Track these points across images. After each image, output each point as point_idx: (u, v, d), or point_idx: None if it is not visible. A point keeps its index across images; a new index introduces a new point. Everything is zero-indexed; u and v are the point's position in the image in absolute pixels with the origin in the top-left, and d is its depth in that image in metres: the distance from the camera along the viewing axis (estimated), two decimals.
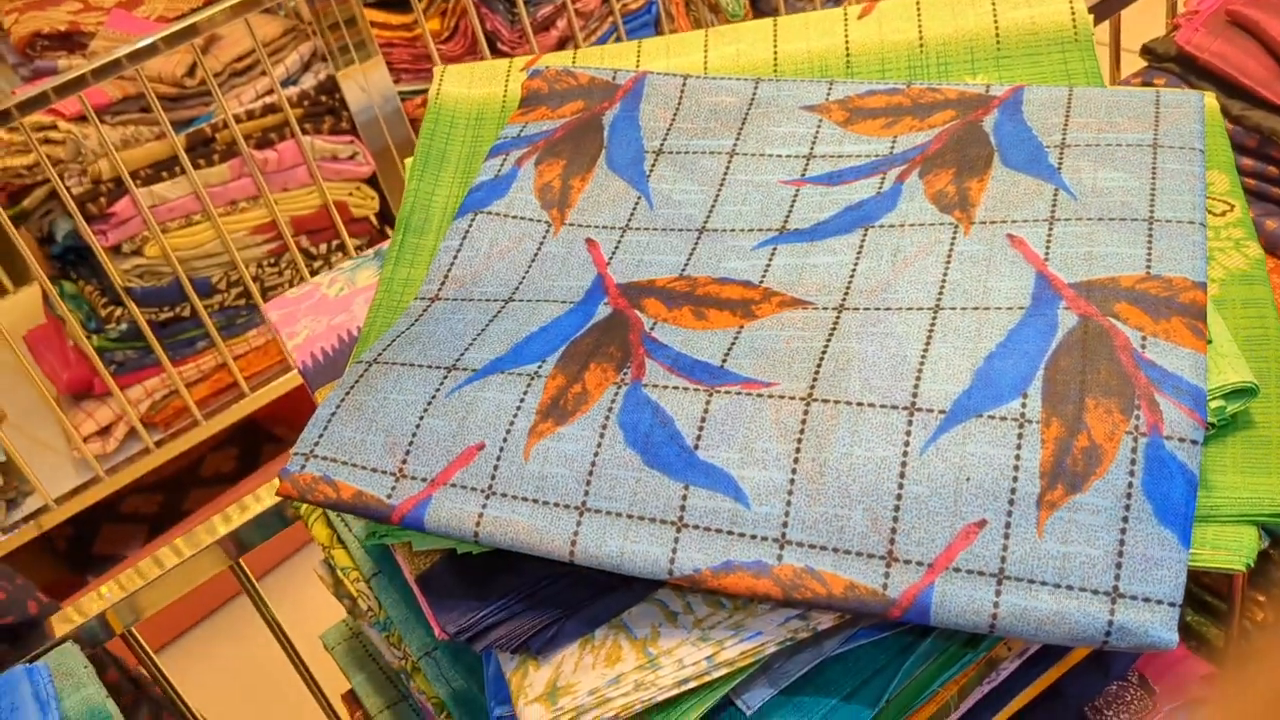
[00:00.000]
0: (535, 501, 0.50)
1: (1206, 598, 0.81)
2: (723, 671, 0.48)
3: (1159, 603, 0.43)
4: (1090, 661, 0.62)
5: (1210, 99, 0.63)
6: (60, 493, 1.50)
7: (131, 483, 1.59)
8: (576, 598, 0.51)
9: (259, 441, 1.90)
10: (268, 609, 0.77)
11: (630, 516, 0.49)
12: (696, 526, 0.48)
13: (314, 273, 1.60)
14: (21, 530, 1.47)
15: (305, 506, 0.69)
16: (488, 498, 0.50)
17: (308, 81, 1.57)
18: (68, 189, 1.40)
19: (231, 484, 1.79)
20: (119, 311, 1.49)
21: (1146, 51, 0.88)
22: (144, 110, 1.47)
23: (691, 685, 0.48)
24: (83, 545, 1.80)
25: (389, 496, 0.52)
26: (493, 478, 0.51)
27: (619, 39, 1.70)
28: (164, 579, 0.75)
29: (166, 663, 0.81)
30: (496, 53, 1.60)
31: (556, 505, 0.49)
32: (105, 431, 1.55)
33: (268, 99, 1.53)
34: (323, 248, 1.61)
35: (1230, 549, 0.47)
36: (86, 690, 0.63)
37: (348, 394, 0.56)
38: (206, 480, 1.88)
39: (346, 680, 0.74)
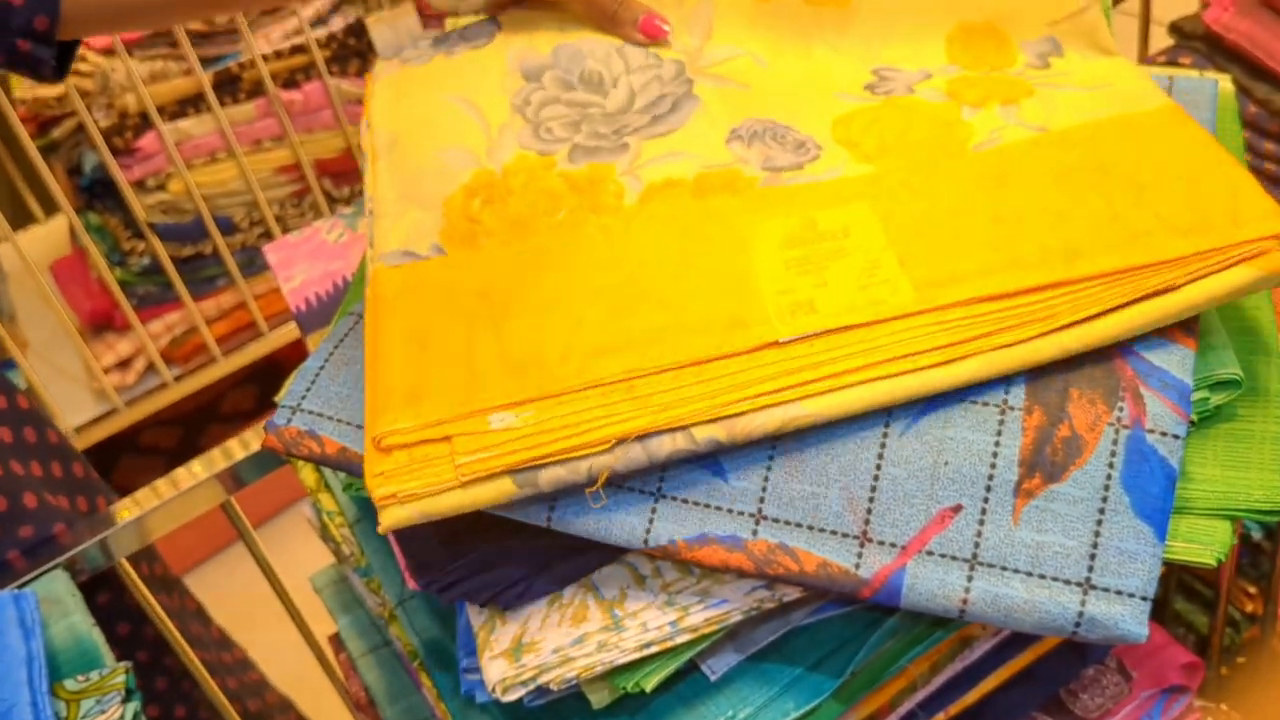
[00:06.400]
0: None
1: (1196, 585, 0.81)
2: (686, 637, 0.49)
3: (1131, 596, 0.43)
4: (1067, 644, 0.62)
5: (1226, 83, 0.61)
6: (80, 422, 1.52)
7: (151, 416, 1.60)
8: (547, 555, 0.51)
9: (278, 380, 1.91)
10: (258, 547, 0.78)
11: (608, 486, 0.48)
12: (674, 498, 0.48)
13: None
14: None
15: None
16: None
17: (336, 24, 1.56)
18: (95, 121, 1.41)
19: (249, 421, 1.81)
20: (141, 246, 1.50)
21: (1174, 29, 0.87)
22: (172, 46, 1.47)
23: (654, 650, 0.48)
24: (101, 476, 1.82)
25: None
26: None
27: None
28: (162, 509, 0.76)
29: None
30: None
31: None
32: (125, 364, 1.57)
33: (296, 40, 1.52)
34: (345, 191, 1.62)
35: (1203, 542, 0.46)
36: (72, 618, 0.64)
37: (336, 347, 0.56)
38: (225, 417, 1.89)
39: (334, 623, 0.75)
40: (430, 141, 0.59)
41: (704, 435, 0.46)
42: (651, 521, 0.48)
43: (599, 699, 0.50)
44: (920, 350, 0.45)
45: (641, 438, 0.46)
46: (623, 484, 0.48)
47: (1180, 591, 0.83)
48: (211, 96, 1.45)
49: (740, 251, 0.51)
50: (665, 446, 0.46)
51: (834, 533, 0.46)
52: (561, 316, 0.50)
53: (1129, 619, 0.43)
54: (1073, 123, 0.53)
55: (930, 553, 0.45)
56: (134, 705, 0.59)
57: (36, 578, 0.68)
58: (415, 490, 0.46)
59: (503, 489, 0.46)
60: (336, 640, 0.75)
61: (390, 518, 0.47)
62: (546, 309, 0.50)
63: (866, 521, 0.46)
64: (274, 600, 0.85)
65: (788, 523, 0.47)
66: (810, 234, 0.51)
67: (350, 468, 0.52)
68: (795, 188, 0.53)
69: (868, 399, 0.45)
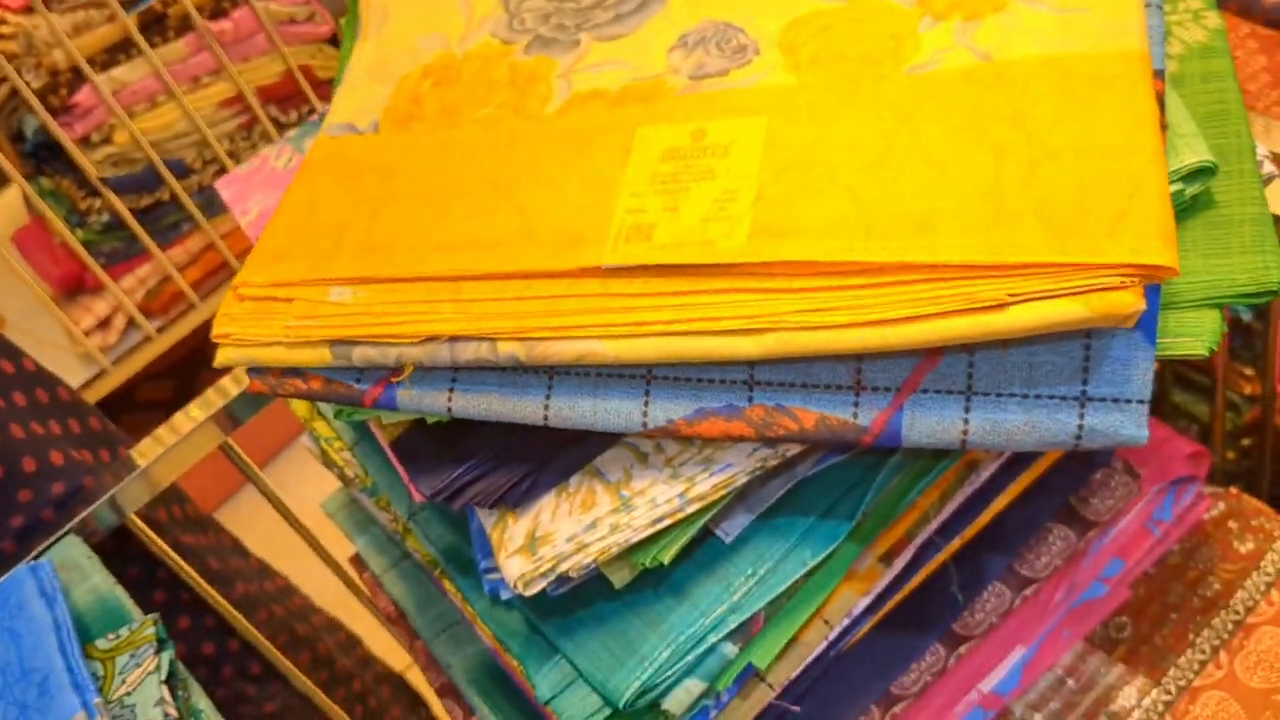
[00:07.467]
0: (503, 371, 0.49)
1: (1192, 375, 0.81)
2: (696, 507, 0.49)
3: (1128, 401, 0.43)
4: (1071, 454, 0.63)
5: None
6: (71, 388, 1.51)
7: (142, 371, 1.60)
8: (548, 448, 0.52)
9: None
10: (264, 483, 0.78)
11: (599, 375, 0.48)
12: (665, 378, 0.48)
13: None
14: None
15: None
16: (456, 372, 0.50)
17: None
18: (26, 83, 1.37)
19: None
20: (98, 203, 1.48)
21: None
22: None
23: (666, 523, 0.49)
24: None
25: (359, 382, 0.51)
26: None
27: None
28: (165, 459, 0.76)
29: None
30: None
31: (526, 372, 0.49)
32: (105, 324, 1.56)
33: None
34: (293, 115, 1.58)
35: (1193, 334, 0.46)
36: (93, 580, 0.65)
37: None
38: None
39: (352, 544, 0.76)
40: (415, 23, 0.63)
41: (505, 350, 0.47)
42: (647, 405, 0.48)
43: (620, 578, 0.51)
44: (724, 316, 0.44)
45: (450, 339, 0.48)
46: (612, 373, 0.48)
47: (1177, 383, 0.84)
48: (140, 39, 1.41)
49: (619, 162, 0.50)
50: (469, 352, 0.48)
51: (828, 386, 0.46)
52: (430, 208, 0.52)
53: (1129, 424, 0.42)
54: (1020, 54, 0.48)
55: (925, 391, 0.45)
56: (168, 654, 0.59)
57: (49, 547, 0.68)
58: (247, 337, 0.52)
59: (321, 355, 0.51)
60: (358, 560, 0.76)
61: (222, 356, 0.53)
62: (423, 199, 0.53)
63: (859, 370, 0.46)
64: (291, 532, 0.86)
65: (781, 384, 0.47)
66: (693, 146, 0.50)
67: (337, 399, 0.52)
68: (707, 94, 0.52)
69: (666, 351, 0.45)
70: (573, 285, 0.47)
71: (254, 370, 0.53)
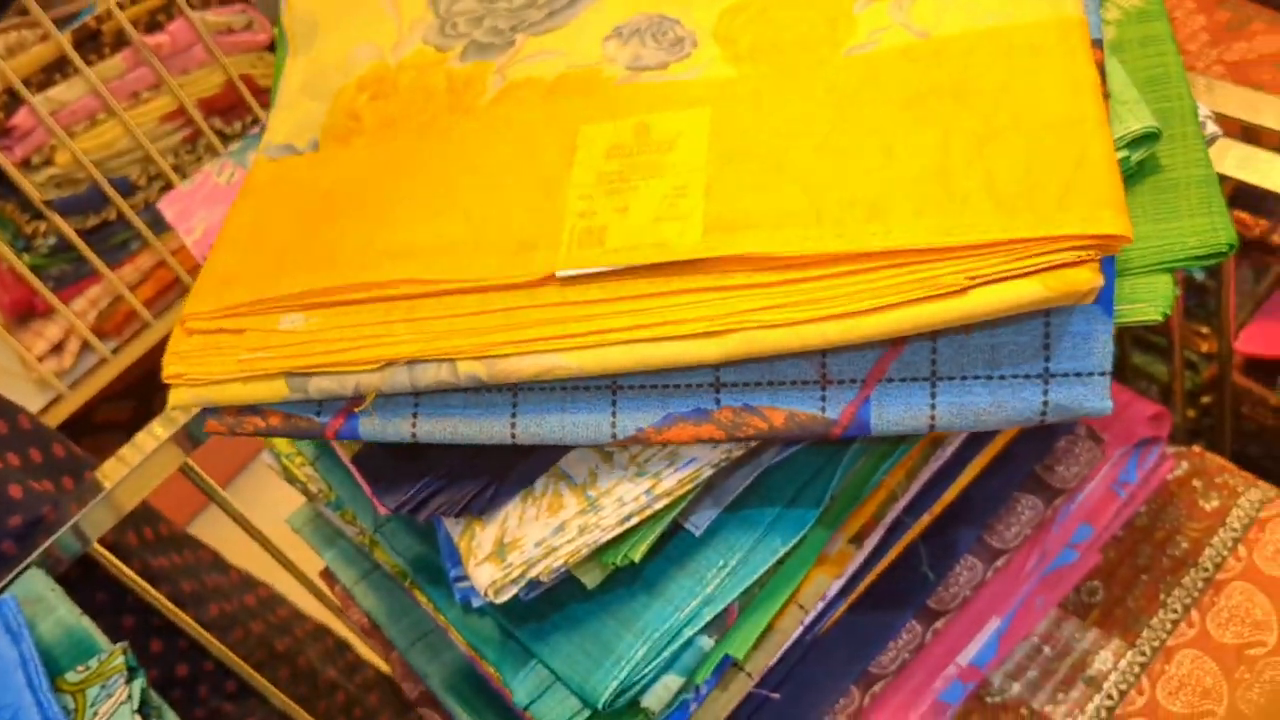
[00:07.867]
0: (466, 391, 0.49)
1: (1150, 337, 0.82)
2: (663, 503, 0.48)
3: (1090, 374, 0.43)
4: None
5: None
6: None
7: (100, 393, 1.57)
8: (511, 455, 0.51)
9: None
10: (228, 503, 0.77)
11: (565, 388, 0.48)
12: (631, 386, 0.47)
13: None
14: None
15: None
16: (419, 397, 0.49)
17: None
18: None
19: None
20: (43, 226, 1.45)
21: None
22: (23, 14, 1.40)
23: (634, 521, 0.48)
24: None
25: (319, 415, 0.51)
26: None
27: None
28: (125, 483, 0.75)
29: None
30: None
31: (489, 391, 0.49)
32: (58, 348, 1.53)
33: None
34: (237, 125, 1.56)
35: (1147, 300, 0.46)
36: (58, 612, 0.64)
37: None
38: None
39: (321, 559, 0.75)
40: (345, 33, 0.61)
41: (466, 370, 0.46)
42: (614, 415, 0.47)
43: (592, 579, 0.51)
44: (686, 319, 0.44)
45: (409, 362, 0.47)
46: (577, 385, 0.48)
47: (1136, 345, 0.84)
48: (75, 57, 1.38)
49: (563, 160, 0.49)
50: (429, 375, 0.47)
51: (794, 383, 0.46)
52: (373, 218, 0.51)
53: (1092, 396, 0.43)
54: (958, 29, 0.47)
55: (891, 380, 0.45)
56: (139, 682, 0.59)
57: (11, 581, 0.67)
58: (199, 376, 0.50)
59: (277, 389, 0.49)
60: (328, 574, 0.75)
61: (175, 398, 0.51)
62: (366, 210, 0.52)
63: (824, 365, 0.46)
64: (260, 549, 0.85)
65: (747, 384, 0.46)
66: (637, 142, 0.49)
67: (300, 433, 0.51)
68: (647, 86, 0.51)
69: (630, 359, 0.44)
70: (529, 296, 0.46)
71: (210, 410, 0.52)
